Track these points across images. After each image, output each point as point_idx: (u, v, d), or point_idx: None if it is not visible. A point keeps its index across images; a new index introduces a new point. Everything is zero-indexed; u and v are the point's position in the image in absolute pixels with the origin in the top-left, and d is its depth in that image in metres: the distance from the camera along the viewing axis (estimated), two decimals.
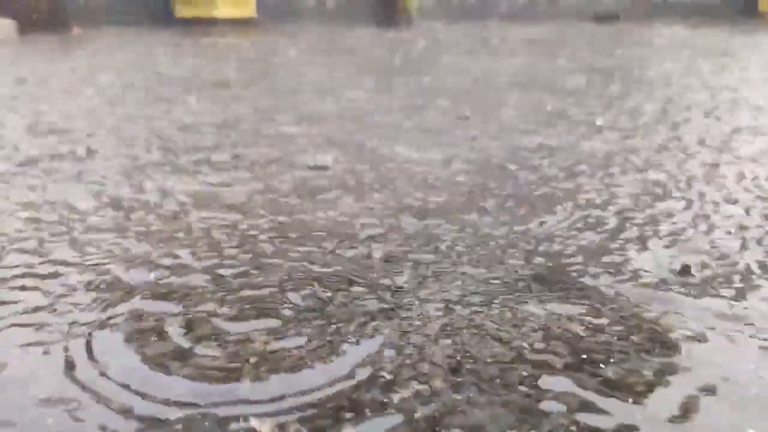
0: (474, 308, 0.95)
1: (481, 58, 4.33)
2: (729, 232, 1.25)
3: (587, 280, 1.04)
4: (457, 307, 0.95)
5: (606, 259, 1.13)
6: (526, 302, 0.97)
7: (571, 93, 2.90)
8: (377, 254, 1.15)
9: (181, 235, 1.26)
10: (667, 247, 1.18)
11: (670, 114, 2.42)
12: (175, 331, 0.89)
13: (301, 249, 1.17)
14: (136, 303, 0.97)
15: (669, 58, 4.25)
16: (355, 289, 1.01)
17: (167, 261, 1.13)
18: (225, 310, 0.95)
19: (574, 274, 1.07)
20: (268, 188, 1.55)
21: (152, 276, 1.07)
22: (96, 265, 1.11)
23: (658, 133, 2.12)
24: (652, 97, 2.80)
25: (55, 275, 1.07)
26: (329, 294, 1.00)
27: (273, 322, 0.92)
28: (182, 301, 0.98)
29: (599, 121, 2.30)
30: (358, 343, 0.86)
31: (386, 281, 1.04)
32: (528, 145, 1.96)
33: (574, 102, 2.68)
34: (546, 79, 3.33)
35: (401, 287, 1.02)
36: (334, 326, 0.90)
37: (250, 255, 1.15)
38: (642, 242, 1.20)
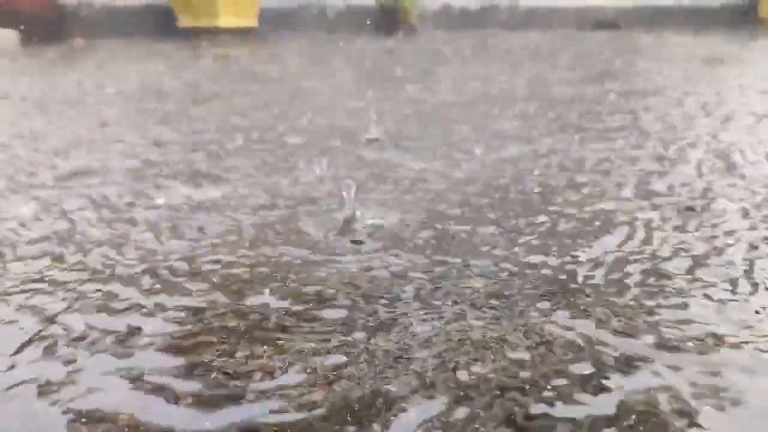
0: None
1: (484, 67, 4.34)
2: None
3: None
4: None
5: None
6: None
7: (578, 103, 2.90)
8: (382, 273, 1.15)
9: (169, 262, 1.26)
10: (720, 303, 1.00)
11: (691, 127, 2.39)
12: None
13: (300, 260, 1.18)
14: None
15: (674, 66, 4.26)
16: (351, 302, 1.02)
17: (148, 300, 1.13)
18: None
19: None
20: (267, 202, 1.55)
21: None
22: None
23: (688, 146, 2.10)
24: (668, 107, 2.80)
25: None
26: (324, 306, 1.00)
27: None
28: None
29: (617, 134, 2.30)
30: (361, 356, 0.86)
31: (390, 296, 1.04)
32: (542, 161, 1.96)
33: (583, 113, 2.68)
34: (550, 88, 3.34)
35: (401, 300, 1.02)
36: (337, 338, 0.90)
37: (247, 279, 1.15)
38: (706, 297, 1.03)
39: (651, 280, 1.08)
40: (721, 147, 2.02)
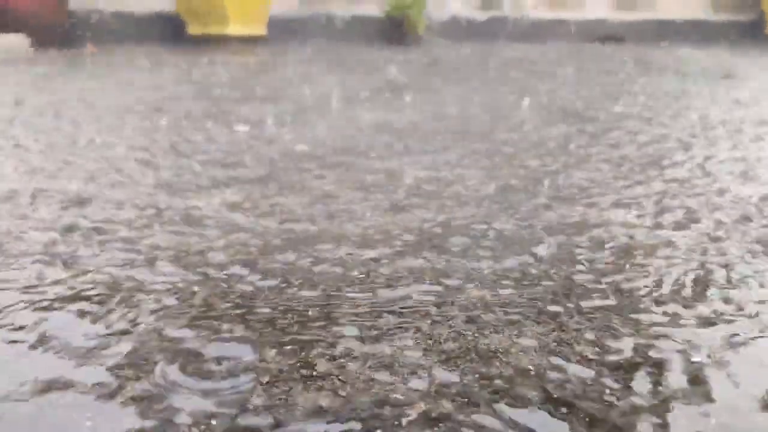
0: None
1: (490, 78, 4.37)
2: None
3: None
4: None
5: None
6: None
7: (591, 120, 2.92)
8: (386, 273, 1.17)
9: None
10: None
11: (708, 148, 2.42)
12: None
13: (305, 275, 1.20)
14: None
15: (694, 81, 4.28)
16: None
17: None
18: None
19: None
20: (276, 215, 1.57)
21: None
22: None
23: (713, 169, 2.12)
24: (707, 128, 2.82)
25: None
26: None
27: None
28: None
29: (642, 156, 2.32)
30: (365, 363, 0.88)
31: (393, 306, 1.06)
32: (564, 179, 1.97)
33: (600, 132, 2.70)
34: (566, 104, 3.36)
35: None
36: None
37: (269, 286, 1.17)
38: None
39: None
40: None
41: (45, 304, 1.04)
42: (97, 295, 1.07)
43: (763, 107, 3.16)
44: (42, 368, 0.85)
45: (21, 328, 0.96)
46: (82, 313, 1.01)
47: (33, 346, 0.91)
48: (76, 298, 1.06)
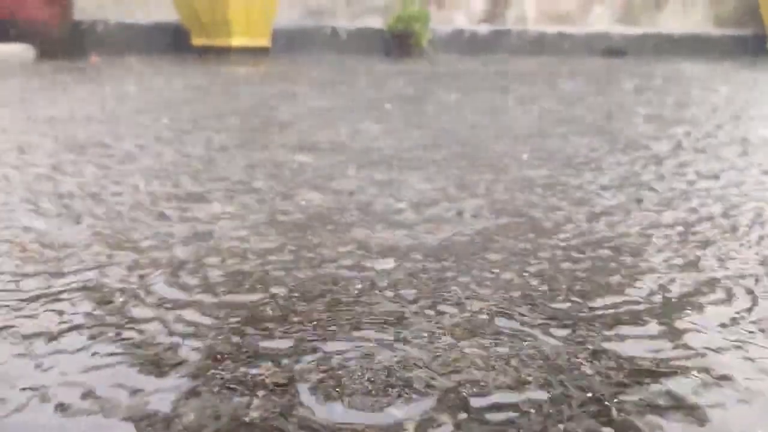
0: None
1: (492, 91, 4.38)
2: None
3: None
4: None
5: None
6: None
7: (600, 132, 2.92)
8: (383, 284, 1.17)
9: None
10: None
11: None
12: None
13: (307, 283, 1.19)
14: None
15: (682, 92, 4.29)
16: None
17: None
18: None
19: None
20: (277, 221, 1.57)
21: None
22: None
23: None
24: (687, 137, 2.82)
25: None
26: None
27: None
28: None
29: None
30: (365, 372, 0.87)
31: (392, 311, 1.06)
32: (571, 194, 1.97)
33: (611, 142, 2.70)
34: (561, 110, 3.36)
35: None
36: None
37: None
38: None
39: None
40: None
41: None
42: None
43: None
44: None
45: None
46: None
47: None
48: None
